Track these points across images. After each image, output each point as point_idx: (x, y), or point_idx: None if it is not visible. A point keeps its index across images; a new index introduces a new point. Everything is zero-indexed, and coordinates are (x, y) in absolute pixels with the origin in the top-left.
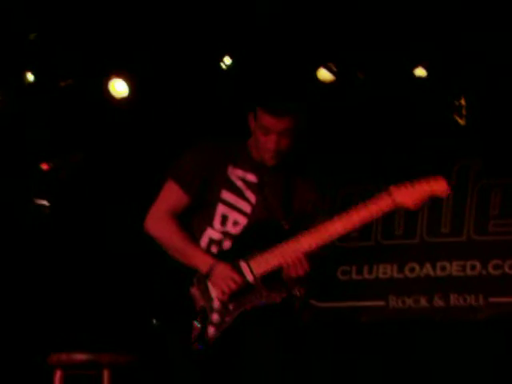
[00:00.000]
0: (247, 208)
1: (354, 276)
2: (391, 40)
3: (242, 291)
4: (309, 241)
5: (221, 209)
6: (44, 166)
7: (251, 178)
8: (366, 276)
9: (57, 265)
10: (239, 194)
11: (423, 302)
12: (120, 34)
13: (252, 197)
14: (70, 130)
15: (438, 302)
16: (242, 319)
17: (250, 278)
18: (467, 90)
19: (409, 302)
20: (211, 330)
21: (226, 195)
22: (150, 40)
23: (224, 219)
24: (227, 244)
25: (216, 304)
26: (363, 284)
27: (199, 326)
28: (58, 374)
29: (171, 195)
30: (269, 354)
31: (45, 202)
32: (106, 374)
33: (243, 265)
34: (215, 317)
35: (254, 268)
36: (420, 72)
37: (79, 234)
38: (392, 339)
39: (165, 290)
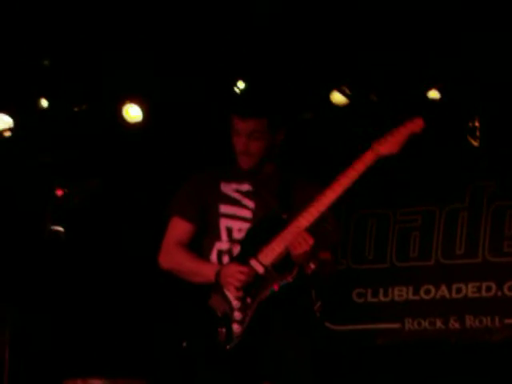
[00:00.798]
0: (247, 214)
1: (370, 298)
2: (405, 62)
3: (257, 283)
4: (305, 216)
5: (223, 222)
6: (59, 192)
7: (246, 187)
8: (382, 298)
9: (72, 291)
10: (237, 203)
11: (439, 324)
12: (134, 59)
13: (250, 203)
14: (85, 155)
15: (454, 324)
16: (264, 308)
17: (260, 270)
18: (481, 112)
19: (424, 324)
20: (236, 327)
21: (225, 208)
22: (164, 65)
23: (229, 231)
24: (236, 250)
25: (235, 304)
26: (379, 306)
27: (224, 329)
28: None
29: (176, 228)
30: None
31: (60, 228)
32: None
33: (252, 261)
34: (237, 315)
35: (263, 260)
36: (433, 94)
37: (95, 260)
38: (408, 361)
39: (185, 311)
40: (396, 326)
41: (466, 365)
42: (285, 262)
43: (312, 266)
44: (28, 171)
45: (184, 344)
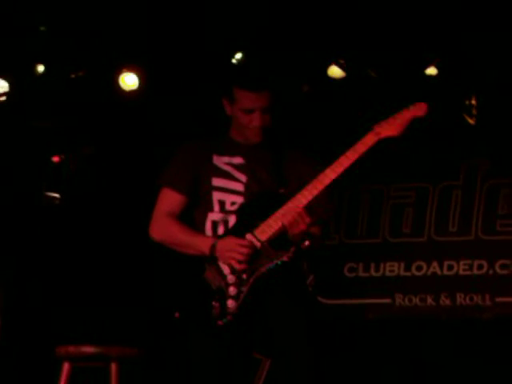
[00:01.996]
0: (240, 187)
1: (361, 273)
2: (402, 38)
3: (253, 258)
4: (305, 194)
5: (216, 195)
6: (55, 159)
7: (238, 160)
8: (373, 273)
9: (67, 257)
10: (229, 177)
11: (429, 300)
12: (131, 27)
13: (242, 176)
14: (80, 122)
15: (445, 301)
16: (259, 284)
17: (258, 245)
18: (478, 90)
19: (415, 300)
20: (230, 303)
21: (217, 181)
22: (161, 34)
23: (222, 204)
24: (231, 221)
25: (230, 278)
26: (370, 281)
27: (218, 303)
28: (65, 366)
29: (167, 199)
30: (288, 312)
31: (56, 195)
32: (113, 366)
33: (248, 236)
34: (232, 290)
35: (259, 235)
36: (431, 71)
37: (90, 226)
38: (398, 337)
39: (179, 282)
40: (387, 301)
41: (456, 342)
42: (281, 239)
43: (307, 243)
44: (23, 137)
45: (177, 314)
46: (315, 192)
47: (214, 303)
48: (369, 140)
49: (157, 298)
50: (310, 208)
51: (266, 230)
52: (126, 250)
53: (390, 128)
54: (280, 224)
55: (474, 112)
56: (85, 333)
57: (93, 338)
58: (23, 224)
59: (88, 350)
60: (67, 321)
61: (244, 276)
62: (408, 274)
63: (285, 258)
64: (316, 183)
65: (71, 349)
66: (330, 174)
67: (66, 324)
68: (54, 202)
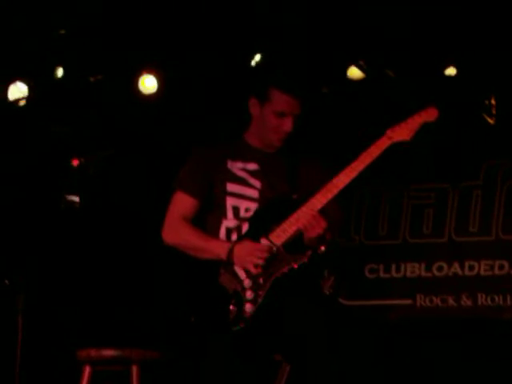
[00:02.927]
0: (254, 193)
1: (382, 274)
2: (421, 39)
3: (268, 263)
4: (319, 199)
5: (230, 201)
6: (74, 162)
7: (252, 166)
8: (394, 274)
9: (87, 259)
10: (243, 183)
11: (451, 301)
12: (150, 29)
13: (256, 183)
14: (100, 125)
15: (466, 302)
16: (276, 288)
17: (272, 249)
18: (497, 90)
19: (436, 300)
20: (247, 306)
21: (232, 187)
22: (181, 36)
23: (236, 210)
24: (245, 228)
25: (246, 283)
26: (391, 282)
27: (234, 308)
28: (86, 370)
29: (180, 203)
30: (307, 314)
31: (75, 198)
32: (134, 369)
33: (263, 240)
34: (249, 293)
35: (274, 240)
36: (450, 71)
37: (109, 229)
38: (419, 337)
39: (195, 286)
40: (408, 302)
41: (478, 342)
42: (295, 244)
43: (322, 248)
44: (43, 140)
45: (192, 319)
46: (329, 196)
47: (231, 307)
48: (381, 144)
49: (174, 301)
50: (324, 212)
51: (281, 234)
52: (145, 253)
53: (401, 132)
54: (295, 228)
55: (494, 112)
56: (105, 336)
57: (113, 340)
58: (44, 227)
59: (109, 353)
60: (88, 324)
61: (260, 280)
62: (429, 274)
63: (303, 260)
64: (330, 187)
65: (92, 352)
66: (343, 179)
67: (86, 327)
68: (73, 206)
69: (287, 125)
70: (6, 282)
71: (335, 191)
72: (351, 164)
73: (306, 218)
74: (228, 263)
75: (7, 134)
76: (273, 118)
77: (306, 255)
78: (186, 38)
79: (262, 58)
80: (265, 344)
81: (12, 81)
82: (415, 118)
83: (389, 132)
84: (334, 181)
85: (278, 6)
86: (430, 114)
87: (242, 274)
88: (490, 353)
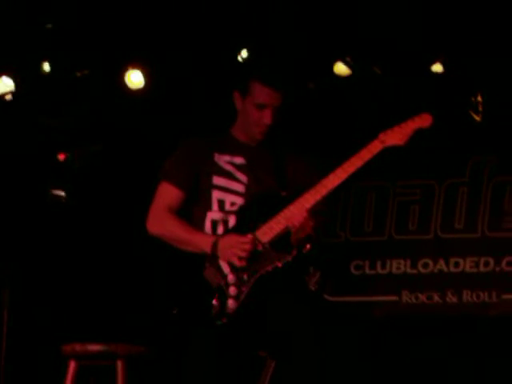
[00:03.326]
0: (241, 188)
1: (368, 271)
2: (408, 35)
3: (253, 259)
4: (308, 199)
5: (216, 194)
6: (61, 156)
7: (239, 160)
8: (380, 271)
9: (72, 254)
10: (230, 176)
11: (436, 297)
12: (136, 24)
13: (243, 177)
14: (86, 120)
15: (451, 298)
16: (259, 285)
17: (259, 247)
18: (484, 87)
19: (422, 297)
20: (230, 303)
21: (218, 180)
22: (166, 31)
23: (221, 203)
24: (232, 221)
25: (230, 278)
26: (376, 279)
27: (217, 302)
28: (72, 365)
29: (166, 194)
30: (292, 311)
31: (61, 193)
32: (120, 364)
33: (249, 237)
34: (232, 290)
35: (260, 237)
36: (437, 68)
37: (95, 224)
38: (404, 334)
39: (179, 279)
40: (393, 298)
41: (463, 339)
42: (281, 241)
43: (308, 246)
44: (29, 135)
45: (174, 311)
46: (318, 197)
47: (214, 302)
48: (374, 147)
49: (158, 294)
50: (311, 212)
51: (268, 232)
52: (131, 248)
53: (395, 137)
54: (282, 226)
55: (480, 109)
56: (90, 331)
57: (98, 335)
58: (29, 222)
59: (94, 347)
60: (73, 319)
61: (245, 276)
62: (414, 271)
63: (288, 258)
64: (319, 188)
65: (77, 347)
66: (333, 180)
67: (72, 321)
68: (59, 200)
69: (267, 117)
70: None
71: (324, 192)
72: (342, 165)
73: (294, 217)
74: (213, 257)
75: None
76: (254, 111)
77: (291, 254)
78: (172, 32)
79: (248, 54)
80: (248, 340)
81: None
82: (409, 123)
83: (381, 136)
84: (324, 182)
85: (266, 1)
86: (424, 120)
87: (226, 269)
88: (476, 350)
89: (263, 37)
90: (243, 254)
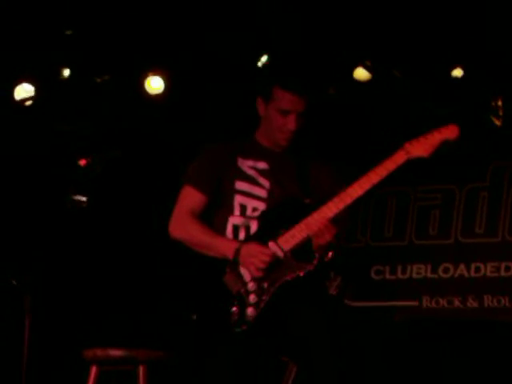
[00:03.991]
0: (263, 193)
1: (388, 276)
2: (428, 40)
3: (274, 268)
4: (331, 207)
5: (238, 199)
6: (82, 162)
7: (262, 165)
8: (400, 276)
9: (94, 259)
10: (253, 181)
11: (457, 302)
12: (156, 30)
13: (265, 182)
14: (107, 125)
15: (472, 303)
16: (280, 293)
17: (280, 254)
18: (504, 91)
19: (442, 302)
20: (250, 310)
21: (240, 185)
22: (186, 36)
23: (243, 208)
24: (253, 227)
25: (251, 285)
26: (397, 284)
27: (237, 309)
28: (93, 370)
29: (189, 198)
30: (311, 318)
31: (82, 198)
32: (141, 369)
33: (271, 244)
34: (252, 297)
35: (282, 245)
36: (457, 72)
37: (116, 229)
38: (425, 339)
39: (199, 283)
40: (414, 303)
41: (484, 344)
42: (303, 250)
43: (330, 254)
44: (50, 141)
45: (194, 317)
46: (341, 206)
47: (233, 309)
48: (398, 158)
49: (179, 299)
50: (333, 219)
51: (290, 239)
52: (152, 252)
53: (420, 148)
54: (305, 235)
55: (501, 113)
56: (111, 336)
57: (119, 341)
58: (51, 227)
59: (116, 353)
60: (94, 324)
61: (265, 285)
62: (435, 276)
63: (309, 267)
64: (344, 196)
65: (99, 352)
66: (357, 189)
67: (93, 327)
68: (81, 205)
69: (291, 123)
70: (14, 282)
71: (348, 201)
72: (366, 175)
73: (316, 224)
74: (234, 263)
75: (15, 134)
76: (277, 117)
77: (313, 263)
78: (191, 38)
79: (268, 59)
80: (269, 346)
81: (18, 81)
82: (435, 134)
83: (407, 145)
84: (348, 191)
85: (285, 7)
86: (451, 132)
87: (247, 276)
88: (496, 355)
89: (282, 42)
90: (261, 265)
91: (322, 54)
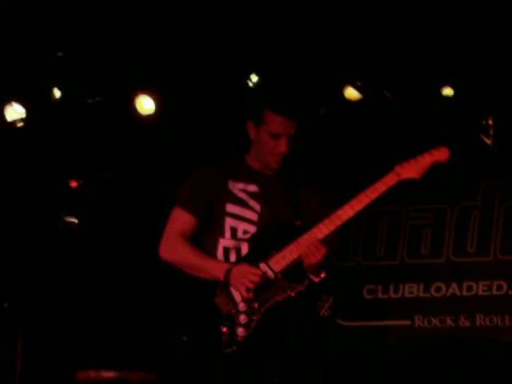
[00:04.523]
0: (253, 216)
1: (380, 295)
2: (419, 59)
3: (265, 288)
4: (321, 229)
5: (229, 221)
6: (73, 184)
7: (253, 188)
8: (392, 295)
9: (85, 281)
10: (243, 204)
11: (449, 321)
12: (147, 51)
13: (256, 205)
14: (98, 146)
15: (464, 322)
16: (270, 314)
17: (270, 275)
18: (495, 110)
19: (434, 321)
20: (240, 331)
21: (231, 208)
22: (177, 57)
23: (233, 231)
24: (244, 249)
25: (241, 306)
26: (389, 303)
27: (227, 330)
28: None
29: (179, 220)
30: (302, 342)
31: (74, 220)
32: None
33: (262, 265)
34: (242, 318)
35: (273, 266)
36: (447, 91)
37: (107, 251)
38: (417, 358)
39: (190, 304)
40: (406, 322)
41: (476, 363)
42: (293, 271)
43: (322, 274)
44: (41, 161)
45: (184, 338)
46: (332, 227)
47: (223, 330)
48: (389, 180)
49: (170, 320)
50: (324, 240)
51: (280, 261)
52: (142, 274)
53: (411, 170)
54: (295, 255)
55: (491, 132)
56: (104, 358)
57: (111, 362)
58: (42, 248)
59: (108, 374)
60: (86, 346)
61: (255, 305)
62: (427, 295)
63: (300, 288)
64: (333, 218)
65: (91, 374)
66: (348, 211)
67: (85, 350)
68: (72, 227)
69: (282, 146)
70: (5, 304)
71: (338, 223)
72: (356, 197)
73: (306, 244)
74: (225, 284)
75: (5, 155)
76: (269, 140)
77: (303, 284)
78: (182, 59)
79: (258, 79)
80: (259, 366)
81: (8, 102)
82: (426, 156)
83: (397, 168)
84: (338, 213)
85: (275, 27)
86: (441, 154)
87: (237, 297)
88: (489, 374)
89: (272, 62)
90: (250, 286)
91: (313, 74)
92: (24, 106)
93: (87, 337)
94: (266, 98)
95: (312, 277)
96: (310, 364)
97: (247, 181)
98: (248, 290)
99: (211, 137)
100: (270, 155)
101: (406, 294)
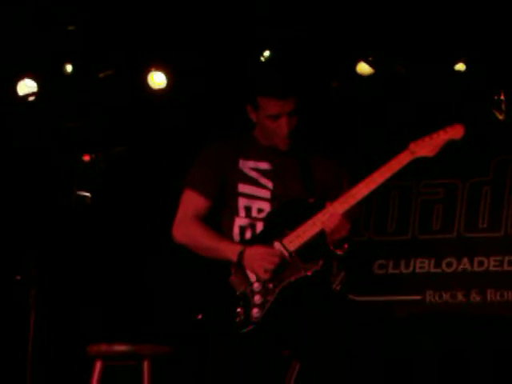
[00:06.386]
0: (266, 194)
1: (391, 270)
2: (431, 34)
3: (279, 268)
4: (336, 207)
5: (242, 201)
6: (85, 158)
7: (264, 165)
8: (403, 270)
9: (98, 256)
10: (255, 183)
11: (460, 297)
12: (159, 25)
13: (268, 183)
14: (110, 121)
15: (475, 298)
16: (285, 294)
17: (285, 254)
18: (507, 85)
19: (445, 296)
20: (255, 311)
21: (243, 188)
22: (189, 31)
23: (248, 210)
24: (259, 228)
25: (256, 286)
26: (400, 278)
27: (242, 310)
28: (97, 365)
29: (192, 202)
30: (319, 321)
31: (86, 194)
32: (146, 364)
33: (277, 244)
34: (257, 298)
35: (288, 245)
36: (459, 66)
37: (120, 226)
38: (428, 333)
39: (205, 284)
40: (417, 297)
41: (487, 339)
42: (308, 250)
43: (346, 245)
44: (53, 136)
45: (200, 316)
46: (346, 206)
47: (238, 309)
48: (403, 158)
49: (185, 296)
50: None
51: (295, 240)
52: (156, 249)
53: (425, 148)
54: (309, 235)
55: (503, 107)
56: (116, 331)
57: (123, 336)
58: (54, 223)
59: (120, 348)
60: (99, 319)
61: (270, 285)
62: (438, 270)
63: (316, 268)
64: (348, 197)
65: (103, 347)
66: (362, 189)
67: (98, 322)
68: (84, 202)
69: (283, 126)
70: (18, 277)
71: (352, 202)
72: (371, 175)
73: (330, 221)
74: (239, 265)
75: (18, 130)
76: (268, 122)
77: (318, 264)
78: (193, 32)
79: (270, 54)
80: (273, 342)
81: (21, 77)
82: (440, 134)
83: (412, 146)
84: (353, 191)
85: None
86: (456, 132)
87: (252, 277)
88: (500, 350)
89: (283, 37)
90: (270, 267)
91: (325, 48)
92: (35, 80)
93: (100, 310)
94: (256, 84)
95: (336, 250)
96: (326, 331)
97: (258, 158)
98: (265, 270)
99: (222, 112)
100: (275, 137)
101: (417, 270)
